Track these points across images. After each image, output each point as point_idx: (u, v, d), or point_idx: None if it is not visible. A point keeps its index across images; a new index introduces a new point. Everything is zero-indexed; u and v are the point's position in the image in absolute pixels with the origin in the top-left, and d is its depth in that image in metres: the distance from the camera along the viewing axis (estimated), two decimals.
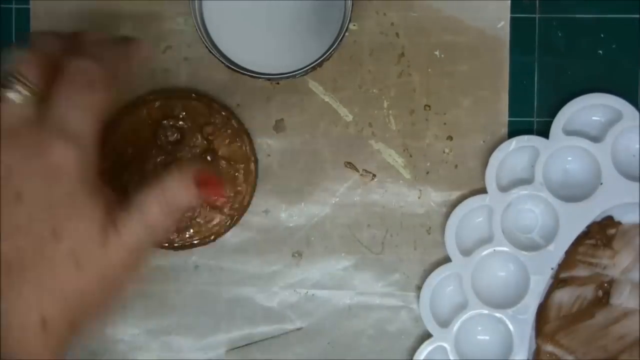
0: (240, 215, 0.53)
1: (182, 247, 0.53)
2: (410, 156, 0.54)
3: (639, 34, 0.53)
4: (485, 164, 0.53)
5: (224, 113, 0.53)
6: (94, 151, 0.39)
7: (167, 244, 0.53)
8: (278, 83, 0.54)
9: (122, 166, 0.52)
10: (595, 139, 0.52)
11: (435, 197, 0.54)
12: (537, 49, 0.54)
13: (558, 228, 0.52)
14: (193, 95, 0.53)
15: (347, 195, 0.54)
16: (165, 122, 0.53)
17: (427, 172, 0.54)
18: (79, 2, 0.54)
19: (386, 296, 0.53)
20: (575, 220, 0.52)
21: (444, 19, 0.53)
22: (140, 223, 0.39)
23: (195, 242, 0.53)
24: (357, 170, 0.54)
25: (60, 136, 0.37)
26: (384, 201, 0.54)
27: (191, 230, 0.53)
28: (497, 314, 0.52)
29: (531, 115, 0.53)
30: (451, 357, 0.52)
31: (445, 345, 0.52)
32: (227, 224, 0.53)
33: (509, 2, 0.53)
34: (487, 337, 0.53)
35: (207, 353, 0.53)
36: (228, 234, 0.53)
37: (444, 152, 0.54)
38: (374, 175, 0.54)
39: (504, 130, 0.53)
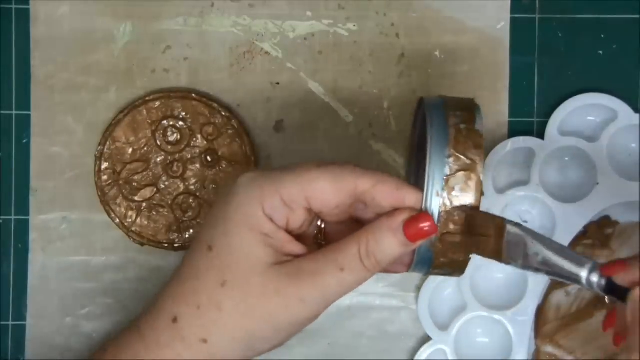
0: None
1: (182, 247, 0.53)
2: None
3: (639, 34, 0.53)
4: (485, 164, 0.53)
5: (224, 113, 0.53)
6: None
7: (167, 244, 0.53)
8: (278, 83, 0.54)
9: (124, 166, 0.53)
10: (591, 139, 0.52)
11: None
12: (537, 49, 0.54)
13: (555, 229, 0.52)
14: (193, 95, 0.53)
15: None
16: (165, 122, 0.53)
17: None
18: (79, 2, 0.54)
19: (386, 297, 0.53)
20: (573, 220, 0.52)
21: (444, 19, 0.53)
22: (335, 282, 0.38)
23: None
24: None
25: None
26: None
27: (191, 231, 0.53)
28: (496, 316, 0.52)
29: (531, 115, 0.53)
30: None
31: (445, 348, 0.52)
32: None
33: (509, 2, 0.53)
34: (486, 340, 0.53)
35: None
36: None
37: None
38: None
39: (504, 130, 0.53)
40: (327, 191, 0.37)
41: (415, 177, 0.45)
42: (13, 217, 0.54)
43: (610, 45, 0.53)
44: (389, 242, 0.37)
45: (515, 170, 0.53)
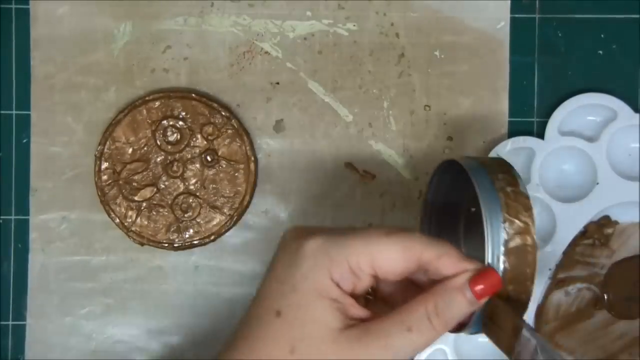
0: (240, 215, 0.53)
1: (182, 247, 0.53)
2: (411, 156, 0.54)
3: (639, 34, 0.53)
4: None
5: (224, 113, 0.53)
6: None
7: (166, 244, 0.53)
8: (278, 83, 0.54)
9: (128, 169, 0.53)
10: (591, 138, 0.52)
11: None
12: (537, 49, 0.54)
13: (555, 229, 0.52)
14: (193, 95, 0.53)
15: (347, 195, 0.54)
16: (165, 122, 0.53)
17: (427, 172, 0.54)
18: (79, 2, 0.54)
19: None
20: (572, 220, 0.52)
21: (444, 19, 0.53)
22: (403, 342, 0.38)
23: (195, 242, 0.53)
24: (357, 171, 0.54)
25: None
26: (384, 201, 0.54)
27: (191, 230, 0.53)
28: None
29: (531, 115, 0.53)
30: None
31: (445, 347, 0.52)
32: (227, 224, 0.53)
33: (509, 2, 0.53)
34: (486, 339, 0.53)
35: (207, 353, 0.54)
36: (228, 234, 0.53)
37: (444, 152, 0.54)
38: (374, 176, 0.54)
39: (504, 130, 0.53)
40: (395, 261, 0.38)
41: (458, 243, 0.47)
42: (13, 217, 0.54)
43: (610, 45, 0.53)
44: (458, 300, 0.38)
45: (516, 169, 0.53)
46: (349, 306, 0.38)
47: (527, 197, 0.39)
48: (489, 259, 0.38)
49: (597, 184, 0.52)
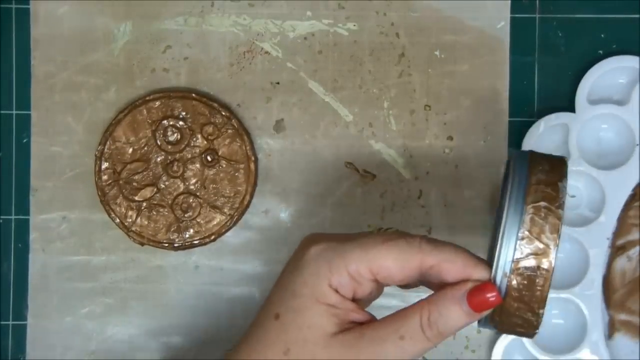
0: (240, 215, 0.53)
1: (182, 247, 0.53)
2: (411, 156, 0.54)
3: (639, 34, 0.53)
4: (485, 164, 0.53)
5: (224, 113, 0.53)
6: None
7: (167, 244, 0.53)
8: (278, 83, 0.54)
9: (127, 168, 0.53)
10: (621, 102, 0.52)
11: (436, 197, 0.54)
12: (537, 49, 0.54)
13: (605, 198, 0.52)
14: (193, 95, 0.53)
15: (347, 195, 0.54)
16: (165, 122, 0.53)
17: (427, 172, 0.54)
18: (79, 2, 0.54)
19: (387, 296, 0.53)
20: (620, 186, 0.52)
21: (444, 19, 0.53)
22: (395, 350, 0.38)
23: (195, 242, 0.53)
24: (357, 171, 0.54)
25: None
26: (384, 201, 0.54)
27: (191, 230, 0.53)
28: (564, 295, 0.52)
29: (531, 115, 0.53)
30: (528, 347, 0.52)
31: (521, 338, 0.52)
32: (227, 224, 0.53)
33: (509, 2, 0.53)
34: (561, 321, 0.53)
35: (207, 353, 0.53)
36: (228, 234, 0.53)
37: (444, 152, 0.54)
38: (374, 176, 0.54)
39: (504, 130, 0.53)
40: (392, 268, 0.38)
41: (493, 239, 0.44)
42: (13, 217, 0.54)
43: (610, 45, 0.53)
44: (453, 311, 0.38)
45: (553, 148, 0.53)
46: (348, 311, 0.39)
47: (559, 218, 0.36)
48: (494, 272, 0.37)
49: (637, 145, 0.52)
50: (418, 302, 0.38)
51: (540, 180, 0.37)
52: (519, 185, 0.37)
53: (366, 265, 0.38)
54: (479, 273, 0.38)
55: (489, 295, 0.37)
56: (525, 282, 0.36)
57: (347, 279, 0.38)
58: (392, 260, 0.38)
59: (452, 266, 0.38)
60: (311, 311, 0.38)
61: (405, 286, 0.41)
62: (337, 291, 0.38)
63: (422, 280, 0.40)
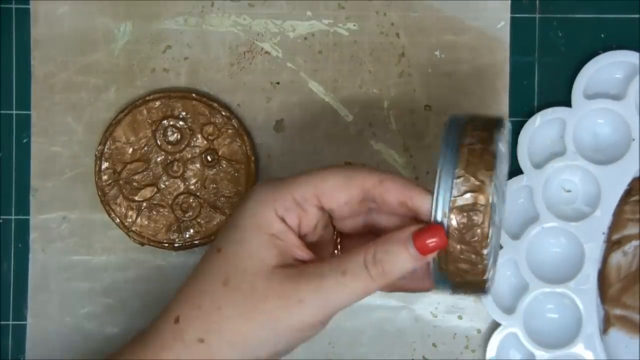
0: None
1: (182, 247, 0.53)
2: (411, 156, 0.54)
3: (639, 34, 0.53)
4: None
5: (224, 113, 0.53)
6: None
7: (167, 244, 0.53)
8: (278, 83, 0.54)
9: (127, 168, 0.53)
10: (617, 96, 0.52)
11: None
12: (537, 49, 0.54)
13: (600, 192, 0.52)
14: (193, 95, 0.53)
15: None
16: (165, 122, 0.53)
17: (428, 172, 0.54)
18: (79, 2, 0.54)
19: (387, 296, 0.54)
20: (616, 180, 0.52)
21: (444, 19, 0.53)
22: (335, 284, 0.37)
23: (196, 242, 0.53)
24: None
25: None
26: None
27: (191, 230, 0.53)
28: (560, 289, 0.52)
29: (531, 115, 0.53)
30: (524, 342, 0.52)
31: (516, 330, 0.52)
32: None
33: (509, 2, 0.53)
34: (555, 315, 0.53)
35: None
36: None
37: None
38: None
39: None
40: (337, 187, 0.38)
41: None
42: (13, 217, 0.54)
43: (610, 45, 0.53)
44: (398, 252, 0.37)
45: (549, 142, 0.53)
46: (291, 246, 0.39)
47: (494, 156, 0.37)
48: (434, 213, 0.37)
49: (633, 139, 0.52)
50: (363, 245, 0.38)
51: (477, 126, 0.38)
52: (456, 130, 0.38)
53: (312, 186, 0.38)
54: (419, 194, 0.38)
55: (433, 236, 0.37)
56: (465, 220, 0.37)
57: (292, 204, 0.38)
58: (337, 180, 0.38)
59: (393, 184, 0.38)
60: (252, 242, 0.38)
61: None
62: (283, 220, 0.38)
63: (370, 219, 0.40)
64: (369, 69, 0.54)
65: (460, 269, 0.38)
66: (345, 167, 0.39)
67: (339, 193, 0.38)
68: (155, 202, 0.53)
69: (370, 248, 0.38)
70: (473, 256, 0.37)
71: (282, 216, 0.38)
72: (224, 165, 0.53)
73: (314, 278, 0.37)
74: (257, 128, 0.54)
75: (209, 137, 0.53)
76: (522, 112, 0.54)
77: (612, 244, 0.53)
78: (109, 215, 0.53)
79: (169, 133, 0.53)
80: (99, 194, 0.53)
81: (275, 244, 0.38)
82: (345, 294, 0.38)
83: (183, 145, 0.53)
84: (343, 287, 0.37)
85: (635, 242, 0.53)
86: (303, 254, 0.39)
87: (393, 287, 0.40)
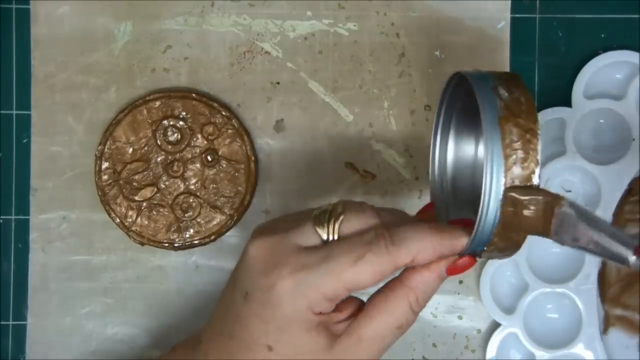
0: (240, 215, 0.53)
1: (182, 247, 0.53)
2: (411, 156, 0.54)
3: (639, 34, 0.53)
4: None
5: (224, 113, 0.53)
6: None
7: (167, 244, 0.53)
8: (278, 83, 0.54)
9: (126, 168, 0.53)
10: (617, 97, 0.52)
11: None
12: (537, 49, 0.54)
13: (600, 192, 0.52)
14: (193, 95, 0.53)
15: (347, 195, 0.54)
16: (165, 122, 0.53)
17: (427, 172, 0.53)
18: (79, 2, 0.54)
19: None
20: (616, 181, 0.52)
21: (444, 19, 0.53)
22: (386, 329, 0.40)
23: (195, 242, 0.53)
24: (358, 171, 0.54)
25: None
26: (384, 202, 0.54)
27: (191, 230, 0.53)
28: (560, 289, 0.52)
29: None
30: (524, 342, 0.52)
31: (516, 330, 0.52)
32: (227, 224, 0.53)
33: (509, 2, 0.53)
34: (555, 315, 0.53)
35: None
36: (228, 234, 0.53)
37: None
38: (374, 176, 0.54)
39: None
40: (369, 282, 0.38)
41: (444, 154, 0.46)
42: (13, 217, 0.54)
43: (610, 45, 0.53)
44: (434, 286, 0.40)
45: (549, 142, 0.53)
46: (332, 320, 0.40)
47: (533, 105, 0.37)
48: (487, 198, 0.36)
49: (633, 139, 0.52)
50: (394, 284, 0.40)
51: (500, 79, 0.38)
52: (485, 86, 0.38)
53: (342, 287, 0.38)
54: (450, 249, 0.39)
55: (463, 264, 0.39)
56: (517, 172, 0.36)
57: (327, 303, 0.39)
58: (367, 278, 0.38)
59: (425, 256, 0.38)
60: (303, 340, 0.39)
61: None
62: (321, 313, 0.39)
63: None
64: (369, 69, 0.54)
65: (500, 247, 0.38)
66: (368, 255, 0.38)
67: (371, 284, 0.39)
68: (155, 202, 0.53)
69: (411, 294, 0.40)
70: (515, 235, 0.38)
71: (320, 312, 0.39)
72: (224, 165, 0.53)
73: (374, 341, 0.40)
74: (257, 128, 0.54)
75: (209, 137, 0.53)
76: None
77: None
78: (109, 215, 0.53)
79: (169, 133, 0.53)
80: (99, 193, 0.53)
81: (323, 328, 0.39)
82: (399, 337, 0.41)
83: (183, 145, 0.53)
84: (399, 334, 0.41)
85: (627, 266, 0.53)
86: (344, 314, 0.40)
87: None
